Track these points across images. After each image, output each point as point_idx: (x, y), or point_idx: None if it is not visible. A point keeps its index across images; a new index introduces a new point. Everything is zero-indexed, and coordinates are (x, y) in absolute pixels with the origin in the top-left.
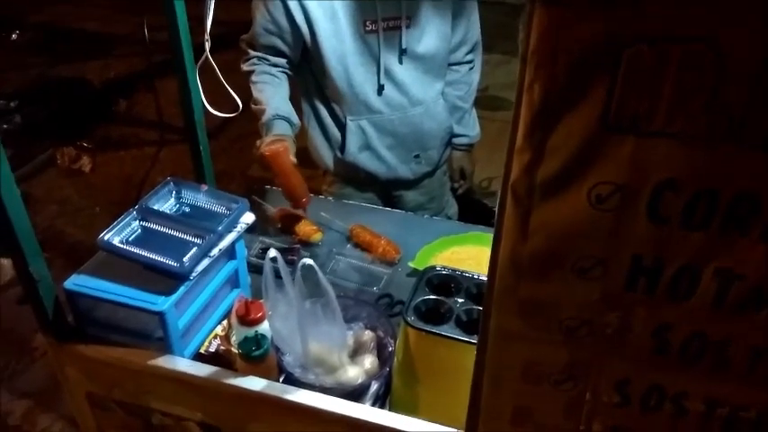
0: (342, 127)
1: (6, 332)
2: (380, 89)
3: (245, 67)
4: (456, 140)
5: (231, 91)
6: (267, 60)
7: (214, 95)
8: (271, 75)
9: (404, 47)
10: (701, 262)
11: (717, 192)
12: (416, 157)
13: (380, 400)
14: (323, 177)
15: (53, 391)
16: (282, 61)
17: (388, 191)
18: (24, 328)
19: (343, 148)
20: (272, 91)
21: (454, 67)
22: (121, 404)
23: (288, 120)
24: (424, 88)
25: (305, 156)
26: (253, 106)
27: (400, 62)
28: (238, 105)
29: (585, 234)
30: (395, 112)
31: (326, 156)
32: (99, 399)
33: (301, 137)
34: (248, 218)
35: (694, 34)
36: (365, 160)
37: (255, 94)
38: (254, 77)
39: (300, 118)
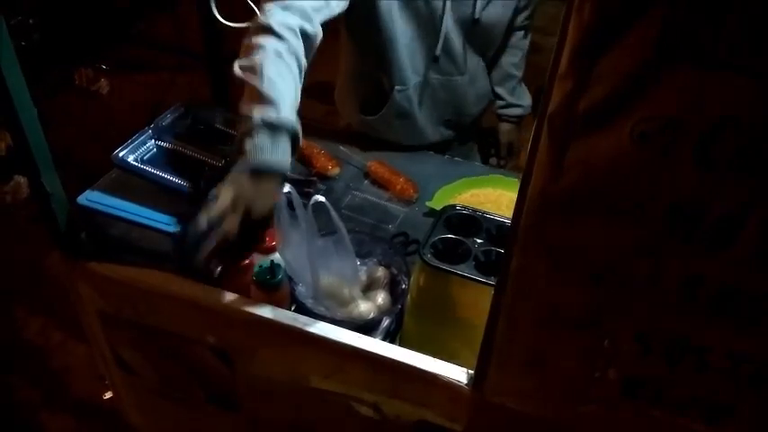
0: (382, 94)
1: (23, 248)
2: (436, 58)
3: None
4: (507, 111)
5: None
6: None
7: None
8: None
9: (476, 17)
10: (746, 210)
11: None
12: (447, 120)
13: (391, 337)
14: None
15: (68, 307)
16: (311, 27)
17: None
18: (41, 245)
19: (378, 112)
20: (283, 70)
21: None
22: (132, 324)
23: (294, 132)
24: (474, 56)
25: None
26: (239, 73)
27: (462, 30)
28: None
29: (624, 173)
30: (440, 76)
31: (353, 116)
32: (110, 317)
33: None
34: None
35: None
36: (399, 127)
37: (253, 58)
38: (259, 39)
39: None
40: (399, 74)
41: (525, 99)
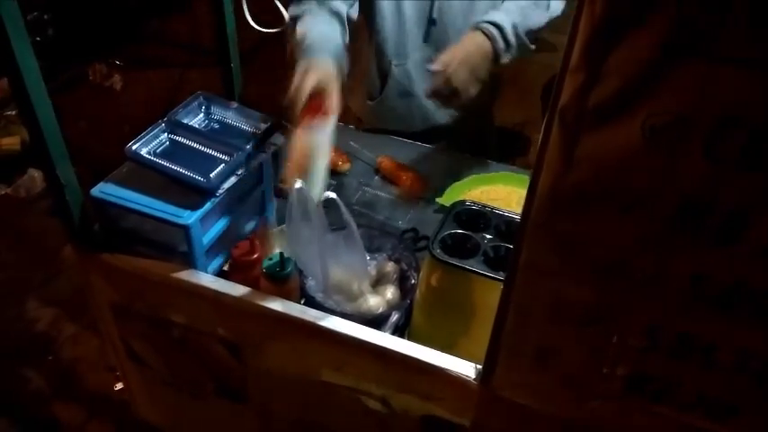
0: (382, 73)
1: (36, 242)
2: (429, 26)
3: (294, 10)
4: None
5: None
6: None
7: (256, 10)
8: (325, 17)
9: None
10: (753, 206)
11: None
12: None
13: (399, 331)
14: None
15: (80, 300)
16: (343, 6)
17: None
18: (54, 239)
19: (381, 94)
20: (320, 24)
21: None
22: (143, 315)
23: (333, 48)
24: (471, 20)
25: None
26: (290, 45)
27: None
28: (284, 17)
29: (634, 168)
30: (435, 49)
31: (360, 105)
32: (122, 309)
33: None
34: (277, 139)
35: None
36: (403, 108)
37: (298, 29)
38: (304, 16)
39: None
40: (395, 48)
41: (503, 14)
